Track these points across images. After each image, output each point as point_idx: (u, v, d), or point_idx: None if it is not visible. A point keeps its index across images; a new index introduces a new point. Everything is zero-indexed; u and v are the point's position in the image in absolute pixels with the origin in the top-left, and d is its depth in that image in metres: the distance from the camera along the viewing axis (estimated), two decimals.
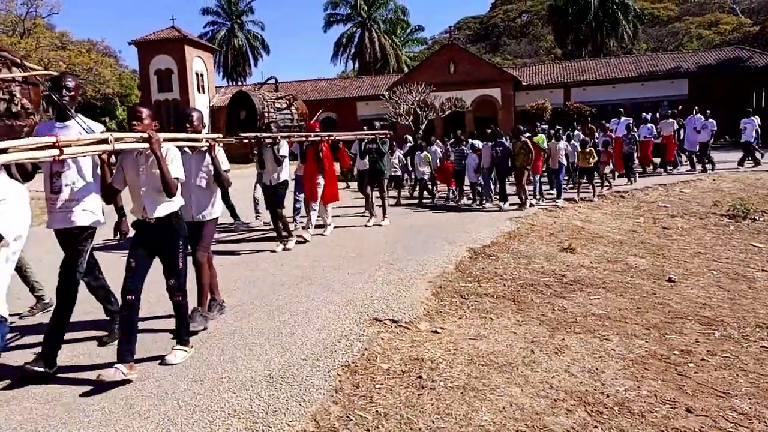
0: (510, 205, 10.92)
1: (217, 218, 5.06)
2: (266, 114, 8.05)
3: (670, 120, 15.83)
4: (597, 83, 33.49)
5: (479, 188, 11.83)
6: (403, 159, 13.39)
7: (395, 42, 51.96)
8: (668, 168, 15.89)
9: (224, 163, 4.92)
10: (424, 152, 13.00)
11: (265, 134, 7.27)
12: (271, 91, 9.53)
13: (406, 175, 13.88)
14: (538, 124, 13.09)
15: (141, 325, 4.08)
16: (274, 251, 7.58)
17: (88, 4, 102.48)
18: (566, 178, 13.18)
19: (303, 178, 8.82)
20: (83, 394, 3.50)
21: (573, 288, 5.76)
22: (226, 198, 8.89)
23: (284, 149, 7.56)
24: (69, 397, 3.47)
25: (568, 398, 3.37)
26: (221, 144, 5.17)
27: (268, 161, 7.54)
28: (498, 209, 10.80)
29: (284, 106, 8.69)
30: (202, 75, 39.07)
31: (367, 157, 9.70)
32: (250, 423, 3.10)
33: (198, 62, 38.74)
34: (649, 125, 15.77)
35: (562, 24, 48.09)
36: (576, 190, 12.32)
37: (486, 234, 8.29)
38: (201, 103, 38.68)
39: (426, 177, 12.91)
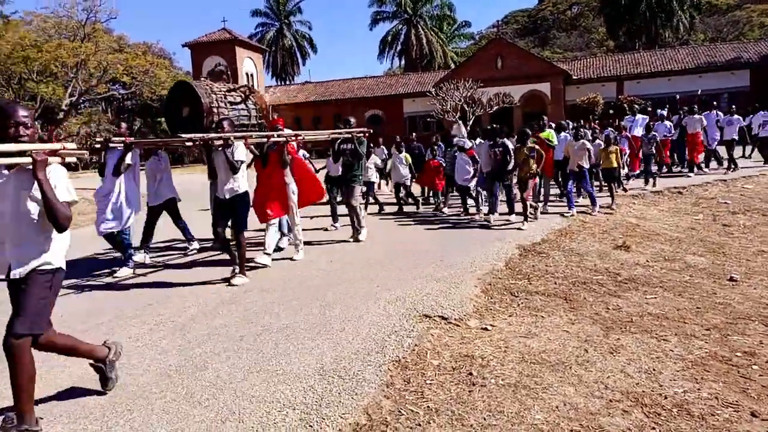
0: (515, 216, 9.20)
1: (51, 271, 3.08)
2: (215, 109, 6.87)
3: (697, 116, 14.37)
4: (652, 76, 32.45)
5: (473, 196, 10.19)
6: (380, 163, 12.16)
7: (441, 38, 51.70)
8: (694, 169, 14.41)
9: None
10: (403, 152, 11.72)
11: (214, 134, 6.04)
12: (225, 82, 8.18)
13: (381, 180, 12.62)
14: (544, 118, 11.34)
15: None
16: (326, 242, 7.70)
17: (143, 9, 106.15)
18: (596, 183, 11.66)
19: (257, 190, 7.04)
20: (146, 383, 3.66)
21: (628, 287, 5.62)
22: (178, 220, 7.84)
23: (240, 153, 6.05)
24: (133, 386, 3.64)
25: (624, 399, 3.30)
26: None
27: (220, 169, 6.09)
28: (487, 223, 9.10)
29: (238, 99, 7.46)
30: (252, 75, 39.92)
31: (341, 159, 8.15)
32: (305, 414, 3.18)
33: (248, 63, 39.62)
34: (667, 123, 14.55)
35: (615, 15, 46.75)
36: (610, 195, 10.54)
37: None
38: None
39: (407, 181, 11.65)
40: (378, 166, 11.94)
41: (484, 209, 9.90)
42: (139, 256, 7.32)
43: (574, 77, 33.63)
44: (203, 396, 3.43)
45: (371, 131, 8.84)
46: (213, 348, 4.23)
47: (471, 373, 3.63)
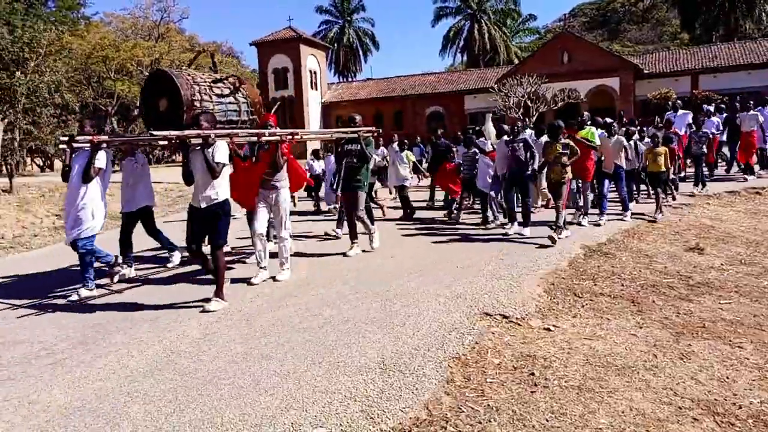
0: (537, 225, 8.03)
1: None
2: (197, 103, 6.04)
3: (753, 112, 12.60)
4: (730, 69, 30.69)
5: (493, 202, 9.25)
6: (381, 161, 10.87)
7: (505, 33, 50.80)
8: (748, 173, 12.62)
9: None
10: (405, 151, 10.71)
11: (191, 132, 5.16)
12: (209, 71, 7.39)
13: (378, 184, 11.31)
14: (585, 114, 9.81)
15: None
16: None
17: (214, 9, 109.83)
18: (638, 188, 10.54)
19: (237, 177, 6.29)
20: (215, 370, 3.82)
21: (701, 291, 5.37)
22: (153, 230, 7.03)
23: (222, 153, 5.17)
24: (204, 372, 3.81)
25: (695, 407, 3.18)
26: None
27: (197, 172, 5.20)
28: (504, 235, 8.02)
29: (227, 92, 6.56)
30: (315, 72, 40.59)
31: (344, 161, 7.19)
32: (366, 406, 3.23)
33: (312, 60, 40.29)
34: (714, 119, 13.01)
35: (690, 7, 44.53)
36: (655, 202, 9.05)
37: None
38: (314, 99, 40.22)
39: (407, 183, 10.64)
40: (379, 165, 10.83)
41: (501, 218, 9.08)
42: (125, 270, 6.70)
43: (646, 71, 32.27)
44: (269, 384, 3.55)
45: (380, 131, 7.98)
46: (277, 338, 4.37)
47: (533, 374, 3.58)
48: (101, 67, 29.45)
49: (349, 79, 52.53)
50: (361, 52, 57.10)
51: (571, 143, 7.60)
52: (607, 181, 8.69)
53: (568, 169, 7.51)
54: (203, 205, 5.21)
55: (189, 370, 3.84)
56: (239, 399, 3.38)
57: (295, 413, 3.18)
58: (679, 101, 14.17)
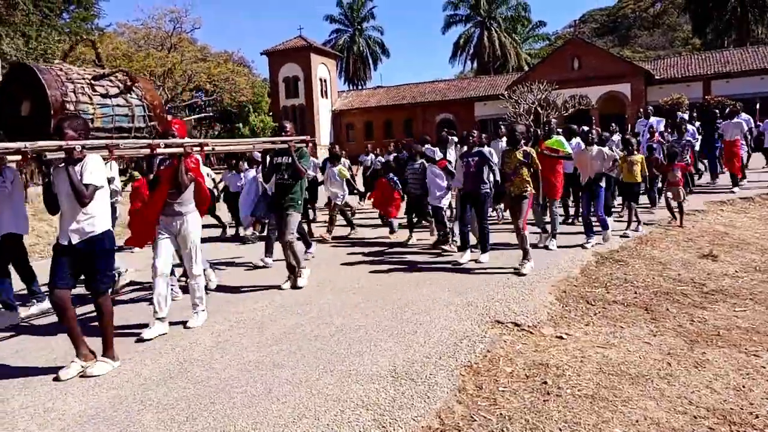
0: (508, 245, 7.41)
1: None
2: (71, 104, 4.78)
3: (737, 119, 11.98)
4: (743, 74, 30.49)
5: (444, 222, 8.01)
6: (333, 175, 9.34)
7: (515, 40, 50.85)
8: (742, 182, 12.01)
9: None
10: (338, 166, 9.36)
11: (49, 143, 3.83)
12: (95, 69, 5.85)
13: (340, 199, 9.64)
14: (552, 121, 8.79)
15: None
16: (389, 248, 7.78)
17: (225, 19, 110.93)
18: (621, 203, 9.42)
19: (133, 222, 5.49)
20: (228, 378, 3.84)
21: (715, 298, 5.32)
22: (22, 265, 5.82)
23: (93, 172, 3.95)
24: (216, 380, 3.83)
25: (710, 416, 3.14)
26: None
27: (63, 197, 4.00)
28: (454, 263, 6.92)
29: (114, 91, 5.24)
30: (325, 81, 40.84)
31: (274, 177, 6.22)
32: (378, 415, 3.23)
33: (322, 69, 40.54)
34: (690, 127, 12.09)
35: (702, 12, 44.32)
36: (628, 217, 8.37)
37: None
38: (324, 107, 40.40)
39: (339, 200, 9.39)
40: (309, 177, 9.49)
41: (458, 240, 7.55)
42: (33, 309, 5.79)
43: (657, 77, 32.15)
44: (281, 392, 3.56)
45: (313, 140, 6.91)
46: (289, 346, 4.38)
47: (546, 382, 3.56)
48: None
49: (359, 87, 52.75)
50: (371, 60, 57.38)
51: (532, 153, 6.46)
52: (586, 197, 7.65)
53: (530, 181, 6.42)
54: (74, 240, 3.99)
55: (201, 379, 3.86)
56: (251, 407, 3.39)
57: (307, 422, 3.19)
58: (650, 107, 13.33)
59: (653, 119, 12.72)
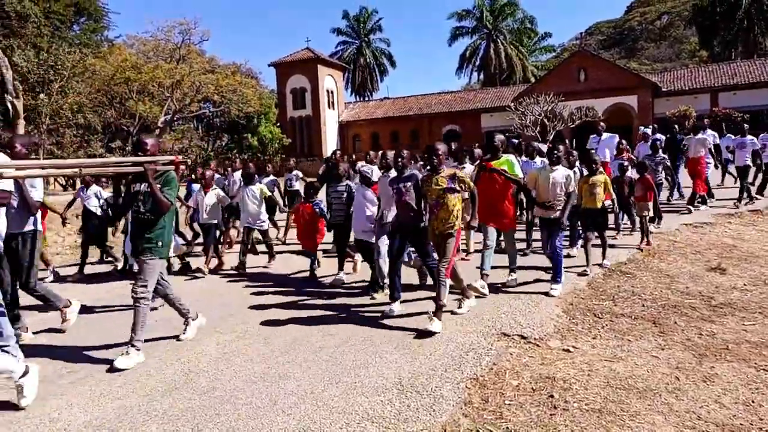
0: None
1: None
2: None
3: (702, 135, 11.36)
4: (750, 87, 30.43)
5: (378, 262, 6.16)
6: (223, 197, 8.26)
7: (521, 51, 51.02)
8: (696, 203, 11.23)
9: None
10: (257, 184, 8.25)
11: None
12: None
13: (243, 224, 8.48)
14: (497, 136, 6.33)
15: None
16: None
17: (233, 31, 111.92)
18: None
19: None
20: (233, 389, 3.83)
21: (723, 312, 5.27)
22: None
23: None
24: (221, 391, 3.82)
25: (719, 431, 3.11)
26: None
27: None
28: (382, 314, 5.48)
29: None
30: (332, 92, 41.05)
31: (131, 211, 4.78)
32: (383, 428, 3.22)
33: (329, 80, 40.77)
34: (649, 144, 11.19)
35: (709, 24, 44.41)
36: (585, 250, 6.96)
37: None
38: (331, 118, 40.58)
39: (263, 225, 8.25)
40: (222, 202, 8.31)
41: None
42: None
43: (664, 89, 32.14)
44: (286, 404, 3.55)
45: (186, 162, 5.36)
46: (294, 358, 4.37)
47: (552, 396, 3.54)
48: (123, 89, 30.07)
49: (366, 99, 52.98)
50: (377, 72, 57.65)
51: (466, 178, 5.19)
52: (545, 231, 6.23)
53: (458, 213, 5.09)
54: None
55: (207, 389, 3.85)
56: (257, 419, 3.38)
57: None
58: (602, 124, 12.20)
59: (605, 135, 11.66)
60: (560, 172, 6.10)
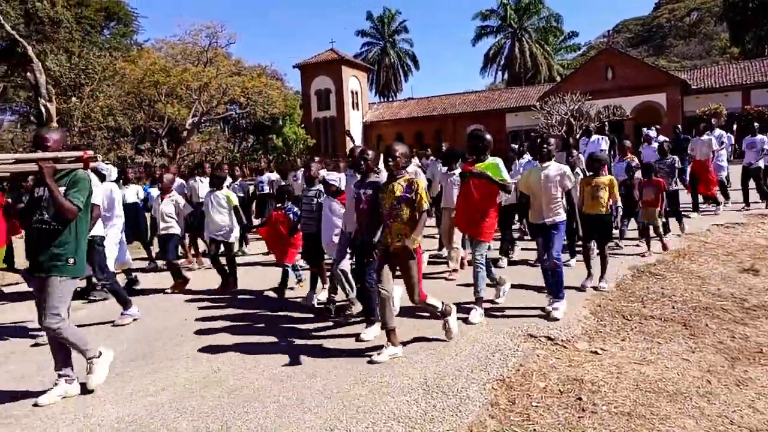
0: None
1: None
2: None
3: (707, 136, 10.80)
4: None
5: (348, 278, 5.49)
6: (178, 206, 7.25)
7: (547, 50, 50.46)
8: (710, 206, 10.88)
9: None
10: (225, 190, 7.28)
11: None
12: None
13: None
14: (479, 131, 5.65)
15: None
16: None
17: (259, 33, 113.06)
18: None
19: None
20: (261, 388, 3.88)
21: (757, 314, 5.15)
22: None
23: None
24: (249, 389, 3.87)
25: None
26: None
27: None
28: (358, 340, 4.80)
29: None
30: (356, 93, 41.17)
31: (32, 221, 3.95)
32: (409, 428, 3.22)
33: (353, 81, 40.89)
34: (655, 145, 10.64)
35: (740, 20, 43.30)
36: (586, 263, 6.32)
37: None
38: (355, 119, 40.70)
39: (229, 237, 7.14)
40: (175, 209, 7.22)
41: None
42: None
43: (694, 87, 31.45)
44: (313, 403, 3.59)
45: (93, 155, 4.06)
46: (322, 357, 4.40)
47: (580, 398, 3.50)
48: (152, 92, 30.59)
49: (390, 99, 53.01)
50: (401, 73, 57.64)
51: (422, 191, 4.35)
52: (541, 240, 5.49)
53: (419, 227, 4.36)
54: None
55: (235, 388, 3.91)
56: (284, 417, 3.42)
57: None
58: (592, 125, 11.88)
59: (594, 137, 11.16)
60: (553, 168, 5.37)
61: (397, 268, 4.45)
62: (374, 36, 56.77)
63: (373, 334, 4.81)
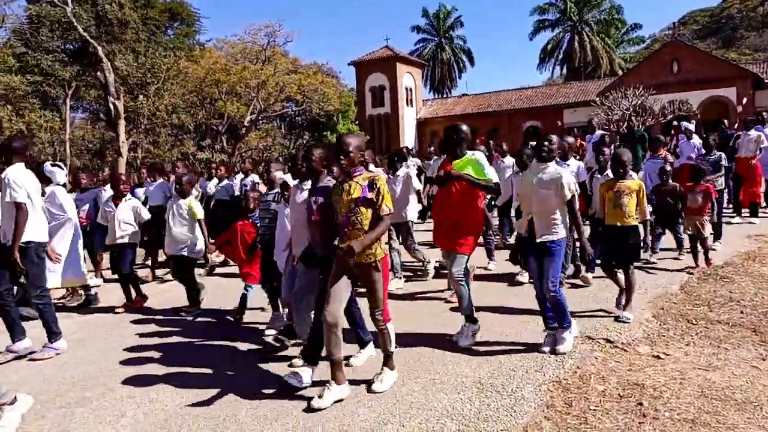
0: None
1: None
2: None
3: (755, 131, 9.61)
4: None
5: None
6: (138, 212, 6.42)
7: (608, 44, 48.84)
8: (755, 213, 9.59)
9: None
10: (190, 198, 6.24)
11: None
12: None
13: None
14: (460, 126, 4.69)
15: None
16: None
17: (315, 31, 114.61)
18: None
19: None
20: (315, 383, 3.93)
21: None
22: None
23: None
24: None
25: None
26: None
27: None
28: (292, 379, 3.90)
29: None
30: (410, 89, 41.09)
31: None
32: (462, 425, 3.21)
33: (408, 78, 40.83)
34: (694, 141, 9.54)
35: None
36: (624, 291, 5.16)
37: None
38: (409, 116, 40.67)
39: (187, 251, 6.10)
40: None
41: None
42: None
43: (767, 80, 29.75)
44: (366, 398, 3.62)
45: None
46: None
47: (641, 404, 3.39)
48: (213, 90, 31.61)
49: (444, 96, 52.65)
50: (456, 69, 57.11)
51: (385, 192, 3.62)
52: (534, 261, 4.37)
53: (382, 237, 3.69)
54: None
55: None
56: (339, 410, 3.47)
57: (392, 427, 3.23)
58: (595, 120, 10.60)
59: (598, 133, 10.12)
60: (549, 173, 4.29)
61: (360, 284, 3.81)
62: (429, 32, 56.45)
63: (365, 356, 4.28)
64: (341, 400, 3.56)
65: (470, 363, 4.10)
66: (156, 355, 4.74)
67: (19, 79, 25.70)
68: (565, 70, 51.87)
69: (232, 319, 5.73)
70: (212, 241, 6.52)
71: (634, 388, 3.61)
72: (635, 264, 5.22)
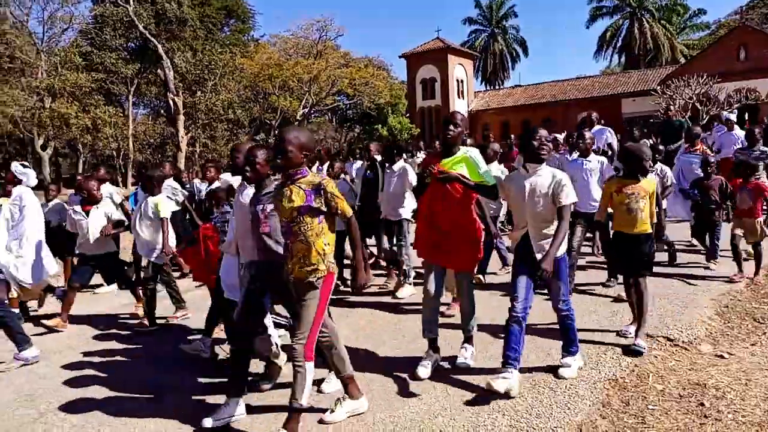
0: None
1: None
2: None
3: None
4: None
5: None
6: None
7: (669, 30, 46.79)
8: None
9: None
10: (160, 196, 5.68)
11: None
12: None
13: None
14: (455, 117, 3.91)
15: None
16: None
17: (366, 24, 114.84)
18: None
19: None
20: (369, 371, 3.97)
21: None
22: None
23: None
24: (357, 375, 3.97)
25: None
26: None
27: None
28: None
29: None
30: (462, 81, 40.67)
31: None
32: (514, 421, 3.18)
33: (459, 69, 40.43)
34: (736, 133, 8.69)
35: None
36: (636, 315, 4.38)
37: None
38: (460, 107, 40.25)
39: (156, 257, 5.56)
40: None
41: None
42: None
43: None
44: (417, 389, 3.64)
45: None
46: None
47: (702, 404, 3.27)
48: (267, 85, 32.23)
49: (496, 87, 51.84)
50: (509, 59, 56.10)
51: (336, 195, 3.13)
52: (525, 280, 3.66)
53: (324, 248, 3.14)
54: None
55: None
56: (389, 401, 3.50)
57: (442, 420, 3.23)
58: (595, 114, 9.81)
59: (597, 128, 9.25)
60: (544, 176, 3.62)
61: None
62: (481, 23, 55.61)
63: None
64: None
65: (524, 359, 3.99)
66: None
67: (85, 77, 26.90)
68: (623, 59, 50.08)
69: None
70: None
71: (695, 388, 3.48)
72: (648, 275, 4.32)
